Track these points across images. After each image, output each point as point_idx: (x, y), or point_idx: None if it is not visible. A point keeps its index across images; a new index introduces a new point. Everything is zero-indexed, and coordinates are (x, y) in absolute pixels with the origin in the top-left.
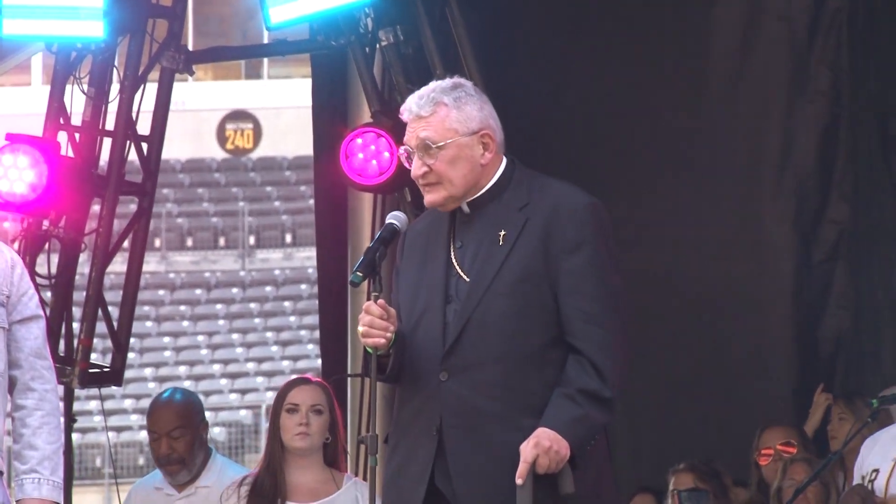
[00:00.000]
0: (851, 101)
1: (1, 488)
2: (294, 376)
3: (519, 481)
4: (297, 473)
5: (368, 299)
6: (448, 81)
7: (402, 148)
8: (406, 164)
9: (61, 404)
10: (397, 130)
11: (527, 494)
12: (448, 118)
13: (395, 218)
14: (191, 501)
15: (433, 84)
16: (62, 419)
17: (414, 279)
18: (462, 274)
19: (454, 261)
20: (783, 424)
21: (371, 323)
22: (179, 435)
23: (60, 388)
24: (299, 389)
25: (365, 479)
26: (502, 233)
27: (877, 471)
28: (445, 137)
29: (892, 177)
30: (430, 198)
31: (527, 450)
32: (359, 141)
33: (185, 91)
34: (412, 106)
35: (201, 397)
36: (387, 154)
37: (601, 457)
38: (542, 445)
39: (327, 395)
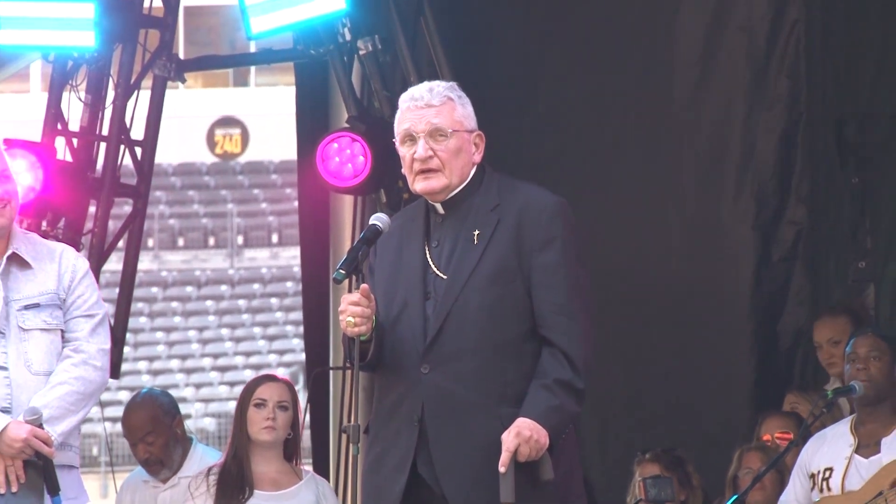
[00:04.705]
0: (809, 108)
1: (77, 481)
2: (261, 373)
3: (502, 469)
4: (261, 464)
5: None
6: (446, 82)
7: (402, 132)
8: (401, 151)
9: None
10: (371, 135)
11: (509, 482)
12: (455, 111)
13: (378, 219)
14: (174, 492)
15: (434, 81)
16: None
17: (389, 277)
18: (438, 272)
19: (430, 259)
20: (783, 414)
21: (362, 314)
22: (153, 439)
23: None
24: (267, 386)
25: (346, 467)
26: (476, 232)
27: (830, 469)
28: (453, 127)
29: (847, 179)
30: (428, 184)
31: (508, 439)
32: (334, 145)
33: (176, 98)
34: (424, 94)
35: (192, 389)
36: (361, 158)
37: (572, 446)
38: (522, 435)
39: (292, 393)
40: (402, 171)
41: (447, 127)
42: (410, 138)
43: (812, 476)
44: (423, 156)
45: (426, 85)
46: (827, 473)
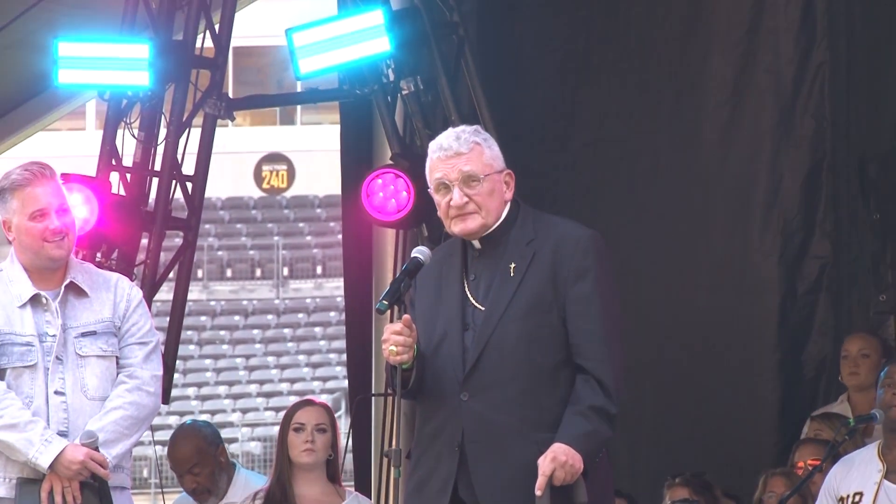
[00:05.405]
0: (833, 147)
1: (129, 502)
2: (300, 398)
3: (538, 493)
4: (304, 487)
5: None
6: (470, 126)
7: (436, 181)
8: (436, 198)
9: None
10: (414, 171)
11: None
12: (484, 155)
13: (420, 252)
14: None
15: (460, 127)
16: None
17: (429, 309)
18: (476, 304)
19: (468, 292)
20: (816, 442)
21: (404, 343)
22: (199, 470)
23: None
24: (305, 410)
25: (388, 490)
26: (513, 265)
27: (860, 493)
28: (485, 171)
29: (869, 216)
30: (465, 226)
31: (545, 464)
32: (379, 181)
33: (225, 135)
34: (452, 143)
35: (239, 414)
36: (405, 193)
37: (605, 469)
38: (558, 460)
39: (330, 416)
40: (438, 215)
41: (479, 172)
42: (445, 187)
43: (841, 500)
44: (459, 203)
45: (452, 133)
46: (857, 498)
